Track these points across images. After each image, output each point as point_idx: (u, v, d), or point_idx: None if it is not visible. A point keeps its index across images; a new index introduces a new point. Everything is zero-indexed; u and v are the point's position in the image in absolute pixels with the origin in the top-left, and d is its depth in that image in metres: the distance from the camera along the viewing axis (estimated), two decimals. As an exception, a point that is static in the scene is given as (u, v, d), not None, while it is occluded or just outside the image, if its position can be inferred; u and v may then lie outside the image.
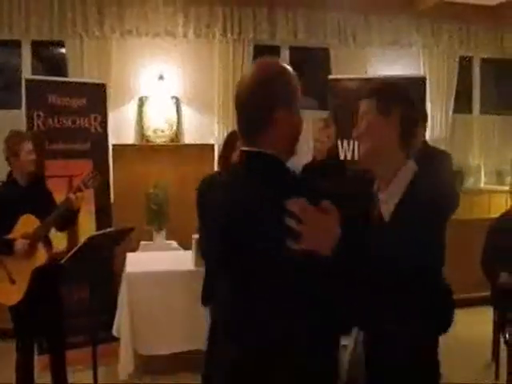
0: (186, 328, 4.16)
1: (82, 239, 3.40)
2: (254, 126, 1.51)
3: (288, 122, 1.51)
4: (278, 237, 1.34)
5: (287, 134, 1.52)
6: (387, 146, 1.73)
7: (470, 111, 7.11)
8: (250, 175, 1.51)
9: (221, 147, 4.53)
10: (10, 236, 3.37)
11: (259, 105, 1.49)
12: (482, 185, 7.06)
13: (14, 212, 3.39)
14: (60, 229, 3.69)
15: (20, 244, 3.33)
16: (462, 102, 7.01)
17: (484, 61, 7.14)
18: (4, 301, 3.41)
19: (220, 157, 4.41)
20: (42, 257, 3.42)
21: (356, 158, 5.29)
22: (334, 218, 1.37)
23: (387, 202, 1.73)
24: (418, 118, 1.86)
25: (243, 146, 1.54)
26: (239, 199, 1.46)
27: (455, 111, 6.77)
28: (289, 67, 1.56)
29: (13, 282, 3.40)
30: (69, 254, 3.27)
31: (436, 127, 6.53)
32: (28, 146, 3.48)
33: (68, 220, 3.59)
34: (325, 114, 5.84)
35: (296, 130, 1.55)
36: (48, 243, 3.53)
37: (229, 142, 4.31)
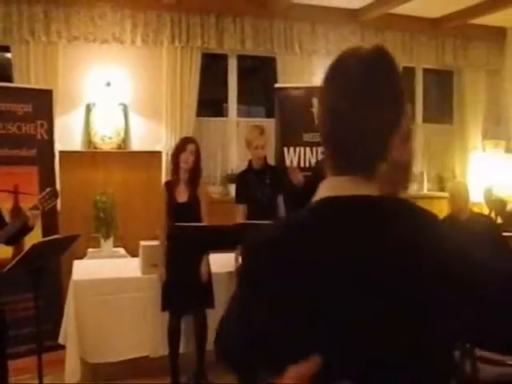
0: (133, 335, 4.19)
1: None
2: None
3: None
4: None
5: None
6: None
7: None
8: None
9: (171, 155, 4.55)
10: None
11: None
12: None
13: None
14: (8, 244, 3.58)
15: None
16: None
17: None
18: None
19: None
20: None
21: (302, 164, 5.42)
22: None
23: None
24: None
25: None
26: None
27: None
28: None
29: None
30: (11, 263, 3.25)
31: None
32: None
33: (19, 237, 3.47)
34: (271, 122, 5.97)
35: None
36: None
37: (179, 149, 4.34)
